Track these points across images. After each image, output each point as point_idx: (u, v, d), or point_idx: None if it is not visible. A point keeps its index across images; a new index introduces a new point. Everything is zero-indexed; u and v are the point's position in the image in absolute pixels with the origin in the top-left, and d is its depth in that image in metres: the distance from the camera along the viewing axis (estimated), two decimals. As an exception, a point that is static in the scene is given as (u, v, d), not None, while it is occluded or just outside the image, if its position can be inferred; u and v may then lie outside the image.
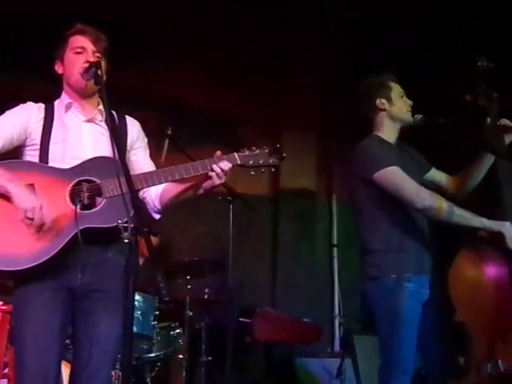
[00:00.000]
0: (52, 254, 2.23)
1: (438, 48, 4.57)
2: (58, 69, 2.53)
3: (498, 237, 2.78)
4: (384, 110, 3.09)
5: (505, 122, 2.98)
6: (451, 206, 2.83)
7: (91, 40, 2.47)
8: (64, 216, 2.26)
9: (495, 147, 2.97)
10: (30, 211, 2.22)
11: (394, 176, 2.90)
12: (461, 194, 3.14)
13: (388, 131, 3.09)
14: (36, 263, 2.21)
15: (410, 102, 3.11)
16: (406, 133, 3.15)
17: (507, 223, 2.80)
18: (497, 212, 2.93)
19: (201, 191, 2.45)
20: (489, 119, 2.99)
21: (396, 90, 3.12)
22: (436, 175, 3.19)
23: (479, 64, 3.02)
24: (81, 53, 2.46)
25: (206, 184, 2.42)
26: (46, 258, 2.22)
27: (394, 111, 3.09)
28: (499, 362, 2.71)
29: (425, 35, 4.64)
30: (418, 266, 2.90)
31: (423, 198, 2.83)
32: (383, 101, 3.09)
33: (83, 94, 2.50)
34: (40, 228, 2.23)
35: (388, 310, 2.89)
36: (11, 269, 2.21)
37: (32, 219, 2.22)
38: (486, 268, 2.87)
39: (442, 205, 2.82)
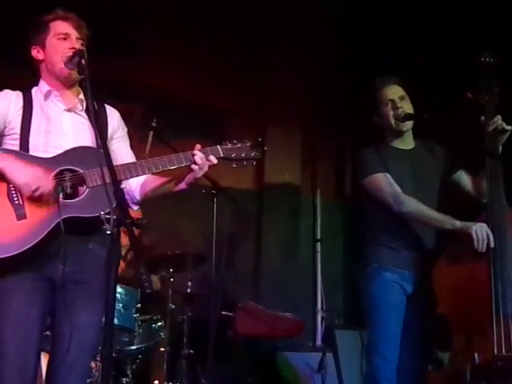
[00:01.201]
0: (35, 241, 2.21)
1: (426, 43, 4.56)
2: (37, 54, 2.48)
3: (467, 238, 2.85)
4: (381, 124, 3.23)
5: (497, 122, 3.00)
6: (425, 209, 3.00)
7: (74, 26, 2.45)
8: (46, 205, 2.24)
9: (488, 150, 3.00)
10: (33, 183, 2.20)
11: (377, 182, 3.10)
12: (482, 196, 3.14)
13: (392, 139, 3.21)
14: (19, 251, 2.19)
15: (398, 105, 3.12)
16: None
17: (477, 224, 2.87)
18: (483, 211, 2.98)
19: (183, 185, 2.45)
20: (483, 118, 3.02)
21: (383, 100, 3.18)
22: (462, 178, 3.23)
23: (482, 59, 3.04)
24: (64, 39, 2.43)
25: (189, 177, 2.42)
26: (28, 246, 2.20)
27: (386, 124, 3.19)
28: (475, 355, 2.76)
29: (414, 30, 4.62)
30: (397, 260, 3.08)
31: (399, 202, 3.02)
32: (376, 116, 3.24)
33: (66, 83, 2.47)
34: (48, 196, 2.22)
35: (368, 297, 3.12)
36: None
37: (38, 189, 2.20)
38: (467, 264, 2.94)
39: (414, 209, 3.00)
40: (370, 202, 3.19)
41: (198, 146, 2.43)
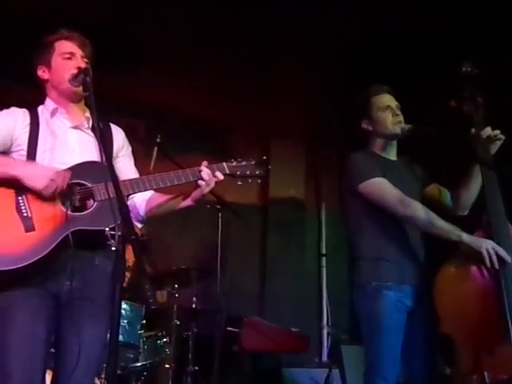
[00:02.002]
0: (43, 254, 2.20)
1: (424, 55, 4.60)
2: (43, 74, 2.51)
3: (476, 253, 2.79)
4: (370, 130, 3.13)
5: (488, 131, 2.98)
6: (432, 216, 2.87)
7: (78, 45, 2.48)
8: (54, 218, 2.25)
9: (481, 158, 2.98)
10: (50, 187, 2.24)
11: (378, 186, 2.97)
12: (461, 209, 3.13)
13: (379, 147, 3.13)
14: (26, 263, 2.18)
15: (397, 112, 3.09)
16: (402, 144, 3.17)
17: (487, 241, 2.81)
18: (484, 221, 2.95)
19: (189, 202, 2.47)
20: (473, 130, 3.01)
21: (376, 104, 3.12)
22: (436, 191, 3.18)
23: (464, 69, 3.04)
24: (70, 58, 2.46)
25: (195, 193, 2.44)
26: (36, 258, 2.19)
27: (378, 129, 3.11)
28: (485, 374, 2.69)
29: (410, 43, 4.67)
30: (400, 275, 2.94)
31: (405, 205, 2.90)
32: (366, 122, 3.14)
33: (72, 100, 2.50)
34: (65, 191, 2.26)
35: (369, 317, 2.94)
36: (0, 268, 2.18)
37: (56, 189, 2.24)
38: (470, 280, 2.85)
39: (421, 215, 2.87)
40: (364, 210, 3.02)
41: (205, 163, 2.44)
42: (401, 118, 3.08)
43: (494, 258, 2.77)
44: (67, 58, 2.46)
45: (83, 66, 2.41)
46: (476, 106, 3.03)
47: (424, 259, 3.03)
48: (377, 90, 3.17)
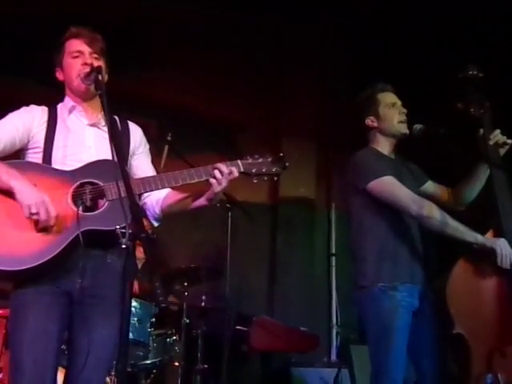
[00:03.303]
0: (53, 254, 2.21)
1: (434, 57, 4.59)
2: (59, 76, 2.54)
3: (491, 253, 2.78)
4: (374, 127, 3.11)
5: (498, 136, 2.97)
6: (446, 217, 2.85)
7: (86, 42, 2.47)
8: (65, 217, 2.25)
9: (490, 158, 2.97)
10: (34, 206, 2.20)
11: (390, 185, 2.93)
12: (459, 206, 3.14)
13: (382, 145, 3.11)
14: (37, 263, 2.19)
15: (404, 111, 3.08)
16: (406, 143, 3.15)
17: (501, 240, 2.81)
18: (493, 221, 2.93)
19: (203, 201, 2.45)
20: (481, 130, 3.00)
21: (384, 101, 3.10)
22: (432, 188, 3.18)
23: (469, 73, 3.03)
24: (77, 57, 2.46)
25: (208, 192, 2.42)
26: (47, 258, 2.20)
27: (384, 127, 3.09)
28: (498, 375, 2.68)
29: (421, 44, 4.67)
30: (406, 275, 2.91)
31: (419, 205, 2.87)
32: (372, 118, 3.11)
33: (84, 98, 2.50)
34: (46, 223, 2.21)
35: (375, 319, 2.91)
36: (11, 269, 2.19)
37: (37, 214, 2.20)
38: (484, 280, 2.85)
39: (436, 215, 2.84)
40: (367, 209, 3.00)
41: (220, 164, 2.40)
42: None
43: (507, 258, 2.76)
44: (75, 57, 2.46)
45: (90, 62, 2.41)
46: (484, 109, 3.02)
47: (424, 258, 3.01)
48: (383, 87, 3.15)
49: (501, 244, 2.78)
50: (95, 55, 2.47)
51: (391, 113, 3.07)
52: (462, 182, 3.12)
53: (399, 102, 3.12)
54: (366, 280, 2.94)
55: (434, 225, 2.86)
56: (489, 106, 3.03)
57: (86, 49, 2.46)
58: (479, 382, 2.74)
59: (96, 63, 2.41)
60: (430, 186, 3.18)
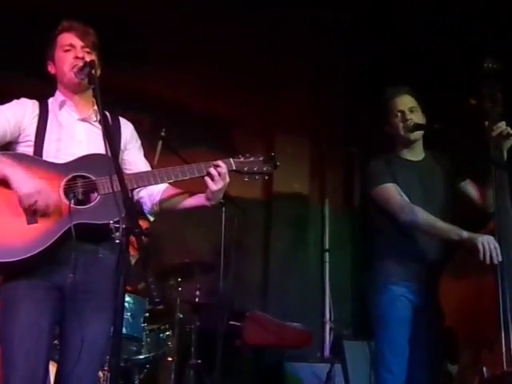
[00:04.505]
0: (44, 247, 2.20)
1: (438, 50, 4.57)
2: (51, 69, 2.53)
3: (474, 249, 2.82)
4: (391, 134, 3.22)
5: (502, 127, 2.98)
6: (431, 219, 2.98)
7: (78, 36, 2.46)
8: (57, 210, 2.25)
9: (491, 155, 2.98)
10: (34, 195, 2.20)
11: (386, 192, 3.09)
12: (488, 207, 3.12)
13: (402, 150, 3.20)
14: (29, 255, 2.19)
15: (407, 118, 3.10)
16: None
17: (484, 236, 2.84)
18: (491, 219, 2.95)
19: (203, 201, 2.46)
20: (487, 123, 3.01)
21: (391, 110, 3.18)
22: (468, 187, 3.21)
23: (485, 65, 3.04)
24: (69, 50, 2.45)
25: (206, 192, 2.43)
26: (39, 250, 2.19)
27: (395, 134, 3.19)
28: (484, 369, 2.72)
29: (423, 37, 4.64)
30: (408, 273, 3.06)
31: (406, 212, 3.00)
32: (387, 127, 3.24)
33: (77, 92, 2.49)
34: (45, 211, 2.21)
35: (375, 310, 3.11)
36: (3, 260, 2.18)
37: (35, 203, 2.20)
38: (472, 276, 2.90)
39: (423, 219, 2.98)
40: (377, 213, 3.18)
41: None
42: (411, 120, 3.09)
43: (489, 254, 2.79)
44: (67, 51, 2.46)
45: (81, 55, 2.41)
46: (494, 103, 3.03)
47: (437, 259, 3.08)
48: (392, 92, 3.21)
49: (484, 240, 2.81)
50: (87, 49, 2.46)
51: (396, 122, 3.16)
52: (485, 183, 3.12)
53: (407, 106, 3.14)
54: (373, 274, 3.14)
55: (421, 228, 3.02)
56: (501, 98, 3.04)
57: (78, 42, 2.46)
58: (466, 375, 2.79)
59: (88, 57, 2.41)
60: (466, 185, 3.21)
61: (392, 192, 3.07)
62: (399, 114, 3.13)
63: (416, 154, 3.20)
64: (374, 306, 3.11)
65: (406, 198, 3.05)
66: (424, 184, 3.13)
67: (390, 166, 3.14)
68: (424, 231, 3.03)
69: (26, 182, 2.23)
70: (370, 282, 3.17)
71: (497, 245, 2.81)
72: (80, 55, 2.41)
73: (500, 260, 2.80)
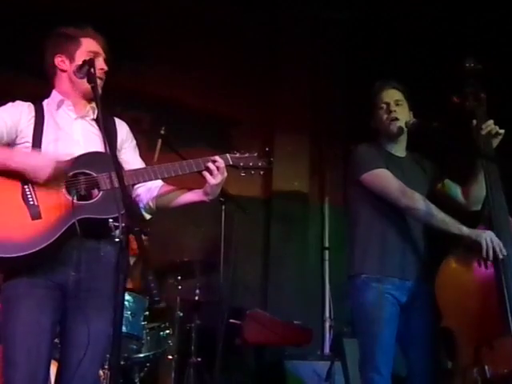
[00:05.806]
0: (49, 242, 2.21)
1: (427, 49, 4.59)
2: (61, 64, 2.50)
3: (476, 245, 2.79)
4: (375, 128, 3.16)
5: (489, 126, 2.98)
6: (433, 209, 2.88)
7: (102, 47, 2.53)
8: (60, 206, 2.26)
9: (482, 151, 2.98)
10: (53, 173, 2.25)
11: (381, 177, 2.99)
12: (473, 204, 3.13)
13: (386, 143, 3.14)
14: (32, 250, 2.19)
15: (392, 109, 3.06)
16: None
17: (486, 232, 2.81)
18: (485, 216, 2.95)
19: (202, 196, 2.49)
20: (474, 121, 3.01)
21: (376, 103, 3.13)
22: (448, 186, 3.18)
23: (467, 65, 3.04)
24: (94, 57, 2.46)
25: (205, 186, 2.47)
26: (42, 246, 2.20)
27: (379, 128, 3.14)
28: (485, 367, 2.69)
29: (415, 37, 4.69)
30: (393, 269, 2.94)
31: (408, 197, 2.91)
32: (372, 120, 3.17)
33: (85, 96, 2.51)
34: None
35: (358, 309, 2.98)
36: (7, 255, 2.19)
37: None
38: (471, 273, 2.86)
39: (423, 206, 2.88)
40: (357, 201, 3.06)
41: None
42: (396, 114, 3.06)
43: (492, 250, 2.77)
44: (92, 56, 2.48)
45: (106, 68, 2.48)
46: (478, 102, 3.03)
47: (425, 253, 3.03)
48: (379, 86, 3.17)
49: (486, 236, 2.79)
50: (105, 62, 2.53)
51: (380, 114, 3.11)
52: (469, 181, 3.11)
53: (393, 99, 3.10)
54: (352, 270, 3.01)
55: (421, 216, 2.91)
56: (484, 97, 3.04)
57: (102, 53, 2.52)
58: (467, 374, 2.75)
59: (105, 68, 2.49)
60: (446, 185, 3.18)
61: (389, 176, 2.98)
62: (384, 106, 3.09)
63: (399, 150, 3.15)
64: (356, 305, 2.98)
65: (403, 184, 2.97)
66: (407, 179, 3.02)
67: (380, 152, 3.09)
68: (422, 218, 2.92)
69: (40, 170, 2.27)
70: (351, 278, 3.01)
71: (499, 241, 2.78)
72: (105, 68, 2.48)
73: (505, 254, 2.76)
